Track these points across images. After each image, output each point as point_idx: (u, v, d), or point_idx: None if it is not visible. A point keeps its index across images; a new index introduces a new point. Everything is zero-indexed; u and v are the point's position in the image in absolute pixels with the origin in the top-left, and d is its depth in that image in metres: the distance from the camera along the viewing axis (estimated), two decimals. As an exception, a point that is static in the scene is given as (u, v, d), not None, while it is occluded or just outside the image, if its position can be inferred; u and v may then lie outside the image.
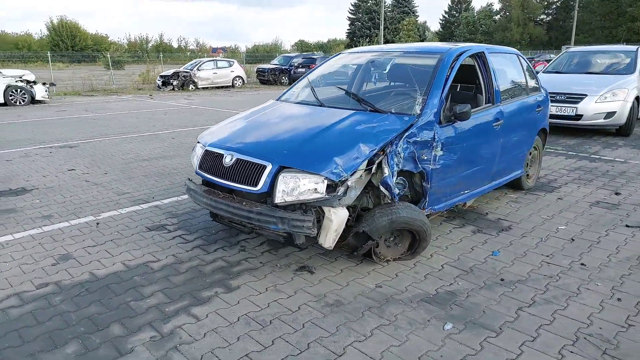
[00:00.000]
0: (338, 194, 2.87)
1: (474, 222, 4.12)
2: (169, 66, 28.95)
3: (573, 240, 3.74)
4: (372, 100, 3.66)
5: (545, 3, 59.99)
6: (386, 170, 3.04)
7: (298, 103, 3.99)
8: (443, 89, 3.48)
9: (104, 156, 6.78)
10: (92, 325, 2.55)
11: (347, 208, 3.21)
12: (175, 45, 70.46)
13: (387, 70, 4.09)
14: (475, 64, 4.11)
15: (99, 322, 2.58)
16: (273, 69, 24.21)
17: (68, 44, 57.00)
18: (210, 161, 3.26)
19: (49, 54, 20.96)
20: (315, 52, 38.85)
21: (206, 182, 3.42)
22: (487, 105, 4.01)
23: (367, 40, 61.66)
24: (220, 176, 3.13)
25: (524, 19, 58.38)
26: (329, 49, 68.90)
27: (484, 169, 4.00)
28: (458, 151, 3.58)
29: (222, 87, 21.49)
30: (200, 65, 20.90)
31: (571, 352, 2.34)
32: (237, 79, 22.14)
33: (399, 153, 3.10)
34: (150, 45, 65.68)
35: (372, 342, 2.42)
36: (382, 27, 35.13)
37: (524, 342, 2.42)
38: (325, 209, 2.86)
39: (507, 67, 4.58)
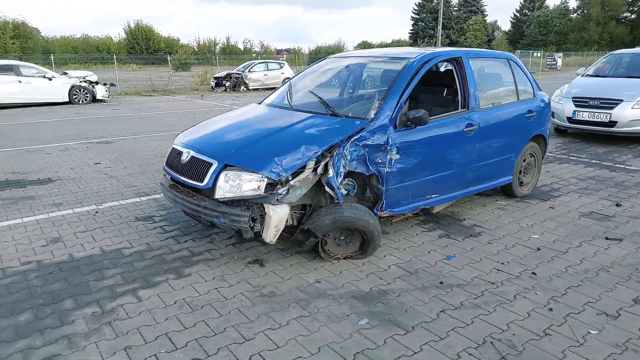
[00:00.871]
0: (278, 192, 3.06)
1: (445, 227, 4.14)
2: (228, 68, 30.16)
3: (539, 249, 3.68)
4: (339, 104, 3.81)
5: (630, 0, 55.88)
6: (331, 172, 3.19)
7: (271, 106, 4.21)
8: (402, 94, 3.57)
9: (130, 152, 7.36)
10: (50, 299, 2.92)
11: (303, 206, 3.40)
12: (241, 47, 72.94)
13: (361, 76, 4.21)
14: (453, 69, 4.14)
15: (56, 297, 2.94)
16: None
17: (142, 47, 60.36)
18: (173, 158, 3.56)
19: (114, 57, 22.53)
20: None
21: (172, 178, 3.72)
22: (460, 110, 4.02)
23: (431, 40, 60.58)
24: (178, 172, 3.43)
25: (604, 18, 54.84)
26: (392, 50, 68.36)
27: (456, 175, 4.01)
28: (418, 155, 3.64)
29: (272, 88, 22.10)
30: (251, 67, 21.63)
31: (470, 354, 2.39)
32: (287, 80, 22.66)
33: (345, 155, 3.24)
34: (217, 47, 68.39)
35: (284, 330, 2.60)
36: (439, 28, 34.45)
37: (428, 342, 2.49)
38: (266, 206, 3.06)
39: (491, 72, 4.54)
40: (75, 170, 6.14)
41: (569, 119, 8.28)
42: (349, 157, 3.25)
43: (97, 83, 15.46)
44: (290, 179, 3.10)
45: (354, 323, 2.67)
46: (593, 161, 6.67)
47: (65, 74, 15.48)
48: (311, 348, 2.44)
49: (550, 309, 2.81)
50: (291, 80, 4.55)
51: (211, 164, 3.16)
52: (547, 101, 4.97)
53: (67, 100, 14.55)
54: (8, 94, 13.49)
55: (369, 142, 3.36)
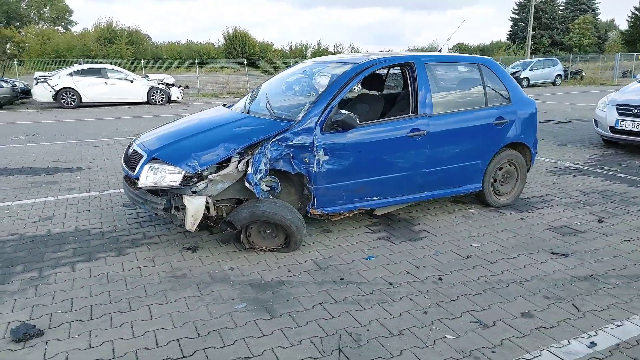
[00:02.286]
0: (196, 184, 3.40)
1: (392, 230, 4.20)
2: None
3: (468, 257, 3.64)
4: (285, 107, 4.06)
5: None
6: (249, 168, 3.47)
7: (229, 108, 4.56)
8: (333, 98, 3.73)
9: (162, 148, 8.12)
10: (8, 263, 3.52)
11: (239, 200, 3.71)
12: (332, 50, 74.23)
13: (313, 80, 4.41)
14: (407, 74, 4.20)
15: (13, 262, 3.54)
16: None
17: (239, 51, 63.61)
18: (126, 152, 4.05)
19: (196, 61, 24.29)
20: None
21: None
22: (406, 115, 4.07)
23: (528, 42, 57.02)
24: (124, 163, 3.90)
25: None
26: (490, 51, 65.60)
27: (401, 179, 4.06)
28: (350, 157, 3.78)
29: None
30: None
31: (311, 342, 2.55)
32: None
33: (266, 154, 3.49)
34: (308, 51, 70.24)
35: (167, 307, 2.92)
36: (529, 29, 32.52)
37: (283, 328, 2.68)
38: (184, 196, 3.41)
39: (455, 77, 4.50)
40: (107, 162, 6.97)
41: (612, 129, 7.67)
42: (269, 156, 3.50)
43: (172, 85, 16.90)
44: (207, 173, 3.43)
45: (232, 306, 2.93)
46: (619, 175, 6.17)
47: (146, 76, 17.12)
48: (177, 322, 2.74)
49: (425, 312, 2.85)
50: (263, 84, 4.86)
51: (142, 156, 3.58)
52: (530, 108, 4.77)
53: (146, 100, 16.10)
54: (96, 94, 15.27)
55: (292, 143, 3.58)
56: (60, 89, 14.74)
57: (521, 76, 24.43)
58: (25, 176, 6.11)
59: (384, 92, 5.16)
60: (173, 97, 16.66)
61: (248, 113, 4.19)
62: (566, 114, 12.93)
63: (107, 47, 52.95)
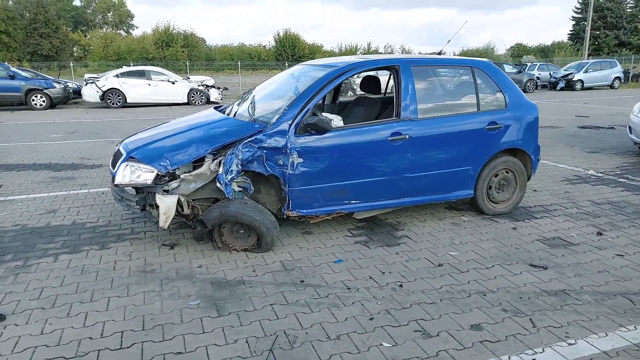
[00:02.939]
0: (168, 183, 3.53)
1: (372, 235, 4.16)
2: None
3: (439, 265, 3.55)
4: (264, 110, 4.12)
5: None
6: (220, 169, 3.55)
7: (218, 110, 4.67)
8: (308, 101, 3.75)
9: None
10: (0, 252, 3.78)
11: (216, 200, 3.81)
12: (382, 51, 73.65)
13: (298, 83, 4.43)
14: (392, 78, 4.15)
15: (6, 251, 3.80)
16: None
17: (289, 54, 64.20)
18: (115, 152, 4.24)
19: (239, 63, 24.88)
20: (525, 57, 36.10)
21: None
22: (387, 119, 4.03)
23: (593, 42, 54.06)
24: (111, 162, 4.08)
25: None
26: (550, 52, 62.91)
27: (383, 183, 4.02)
28: (326, 160, 3.78)
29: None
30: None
31: (246, 341, 2.59)
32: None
33: (238, 155, 3.56)
34: (358, 52, 69.99)
35: (126, 299, 3.05)
36: (588, 28, 30.87)
37: (226, 326, 2.73)
38: (156, 194, 3.55)
39: (445, 81, 4.39)
40: (126, 160, 7.30)
41: (646, 136, 7.19)
42: (240, 157, 3.56)
43: (212, 87, 17.42)
44: (179, 173, 3.54)
45: (186, 303, 3.01)
46: (645, 185, 5.78)
47: (187, 79, 17.75)
48: (129, 315, 2.86)
49: (371, 319, 2.81)
50: (256, 87, 4.94)
51: (122, 155, 3.75)
52: (529, 114, 4.57)
53: (186, 101, 16.69)
54: (139, 95, 16.01)
55: (265, 145, 3.63)
56: (106, 90, 15.57)
57: (574, 78, 23.28)
58: (49, 171, 6.53)
59: (386, 95, 5.11)
60: (212, 98, 17.16)
61: (234, 116, 4.28)
62: (612, 119, 12.20)
63: (164, 49, 54.98)
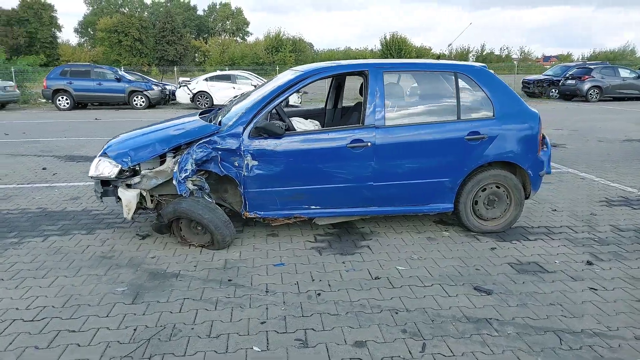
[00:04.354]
0: (132, 178, 3.85)
1: (334, 241, 4.11)
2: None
3: (376, 279, 3.42)
4: (235, 113, 4.28)
5: None
6: (175, 167, 3.79)
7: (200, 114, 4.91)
8: (265, 106, 3.83)
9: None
10: (10, 229, 4.40)
11: (192, 194, 4.06)
12: (497, 53, 69.83)
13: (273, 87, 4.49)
14: (363, 83, 4.07)
15: (13, 229, 4.41)
16: (540, 80, 22.24)
17: (394, 57, 63.51)
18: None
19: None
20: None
21: None
22: (348, 126, 3.97)
23: None
24: None
25: None
26: None
27: (345, 190, 3.95)
28: (281, 164, 3.84)
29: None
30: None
31: (134, 329, 2.76)
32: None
33: (192, 155, 3.77)
34: (470, 55, 67.20)
35: (68, 280, 3.38)
36: None
37: (128, 313, 2.93)
38: (119, 188, 3.88)
39: (420, 87, 4.17)
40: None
41: None
42: (194, 157, 3.76)
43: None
44: (140, 169, 3.84)
45: (114, 288, 3.28)
46: (700, 212, 4.94)
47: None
48: (60, 294, 3.17)
49: (263, 322, 2.83)
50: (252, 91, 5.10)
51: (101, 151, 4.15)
52: (525, 124, 4.16)
53: (267, 104, 17.46)
54: (225, 97, 17.06)
55: (219, 146, 3.79)
56: (196, 92, 16.89)
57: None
58: (100, 164, 7.34)
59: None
60: (290, 102, 17.72)
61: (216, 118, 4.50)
62: None
63: (274, 54, 57.66)
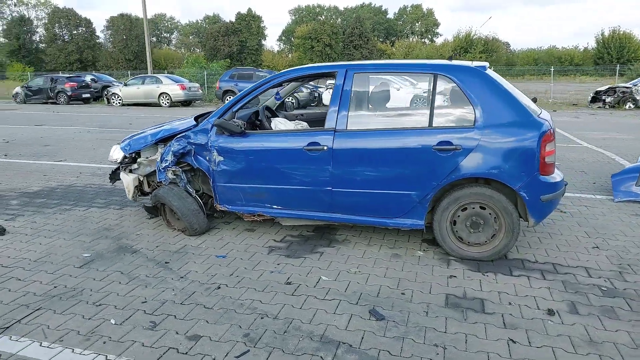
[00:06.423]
0: (130, 164, 4.49)
1: (296, 242, 4.12)
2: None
3: (287, 284, 3.37)
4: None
5: None
6: (158, 157, 4.30)
7: None
8: (234, 104, 4.07)
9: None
10: (26, 202, 5.49)
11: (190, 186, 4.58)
12: None
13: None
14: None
15: (29, 202, 5.51)
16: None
17: (613, 56, 53.83)
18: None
19: (551, 69, 23.31)
20: None
21: None
22: (311, 128, 3.92)
23: None
24: None
25: None
26: None
27: (303, 193, 3.93)
28: (242, 162, 4.03)
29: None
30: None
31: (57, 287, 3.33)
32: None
33: (172, 147, 4.22)
34: None
35: (55, 244, 4.17)
36: None
37: (84, 277, 3.51)
38: (121, 172, 4.55)
39: (394, 90, 3.83)
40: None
41: None
42: (172, 149, 4.21)
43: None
44: (136, 156, 4.46)
45: (81, 253, 3.92)
46: None
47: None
48: (39, 255, 3.86)
49: (143, 302, 3.09)
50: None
51: (122, 142, 4.89)
52: (517, 136, 3.50)
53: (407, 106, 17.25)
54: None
55: (192, 140, 4.18)
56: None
57: None
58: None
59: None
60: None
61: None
62: None
63: (462, 55, 55.43)
